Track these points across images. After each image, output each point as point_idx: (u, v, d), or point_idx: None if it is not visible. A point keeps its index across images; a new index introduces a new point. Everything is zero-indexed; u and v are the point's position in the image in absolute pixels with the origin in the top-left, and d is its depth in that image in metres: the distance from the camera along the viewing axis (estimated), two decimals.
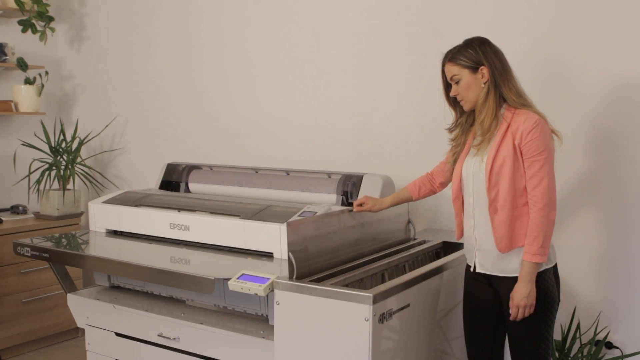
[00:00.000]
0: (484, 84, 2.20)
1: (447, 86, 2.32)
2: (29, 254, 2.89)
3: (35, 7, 4.12)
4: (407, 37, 3.21)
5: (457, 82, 2.24)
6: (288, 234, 2.24)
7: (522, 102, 2.20)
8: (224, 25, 3.85)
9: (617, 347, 2.78)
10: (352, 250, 2.59)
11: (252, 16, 3.73)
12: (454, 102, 2.34)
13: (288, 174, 3.17)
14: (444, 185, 2.55)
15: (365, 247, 2.66)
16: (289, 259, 2.23)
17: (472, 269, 2.33)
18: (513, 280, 2.20)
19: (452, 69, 2.24)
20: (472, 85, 2.21)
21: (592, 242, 2.82)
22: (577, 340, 2.78)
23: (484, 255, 2.26)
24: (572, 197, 2.81)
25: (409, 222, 2.91)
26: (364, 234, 2.66)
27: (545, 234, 2.12)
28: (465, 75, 2.22)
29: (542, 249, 2.11)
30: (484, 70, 2.19)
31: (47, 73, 4.31)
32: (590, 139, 2.76)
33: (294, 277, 2.23)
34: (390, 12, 3.26)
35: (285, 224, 2.31)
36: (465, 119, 2.33)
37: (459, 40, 2.29)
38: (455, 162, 2.35)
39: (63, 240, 3.10)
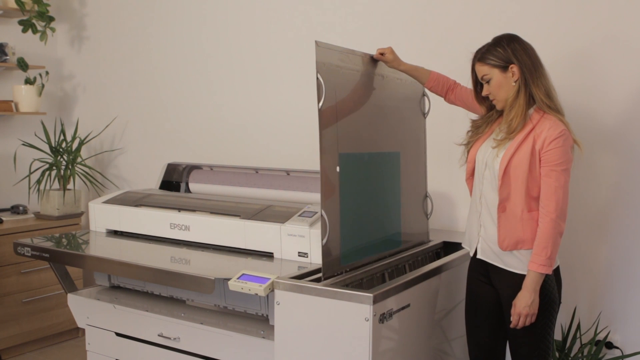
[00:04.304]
0: (515, 82, 2.17)
1: (476, 84, 2.31)
2: (29, 254, 2.89)
3: (36, 7, 4.12)
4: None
5: (487, 82, 2.22)
6: (318, 53, 2.20)
7: (550, 105, 2.16)
8: (224, 26, 3.85)
9: (617, 347, 2.78)
10: (373, 101, 2.54)
11: (252, 17, 3.73)
12: (483, 99, 2.32)
13: (288, 174, 3.17)
14: (451, 102, 2.55)
15: (384, 102, 2.60)
16: (318, 79, 2.19)
17: (472, 254, 2.33)
18: (513, 277, 2.20)
19: (482, 69, 2.22)
20: (503, 84, 2.19)
21: (593, 242, 2.82)
22: (578, 340, 2.78)
23: (488, 244, 2.26)
24: (574, 197, 2.81)
25: (424, 94, 2.83)
26: (383, 85, 2.60)
27: (553, 245, 2.11)
28: (495, 74, 2.19)
29: (549, 260, 2.11)
30: (514, 69, 2.16)
31: (47, 73, 4.32)
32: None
33: (322, 100, 2.19)
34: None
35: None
36: (495, 113, 2.32)
37: (488, 37, 2.26)
38: (470, 146, 2.34)
39: (63, 240, 3.10)
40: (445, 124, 2.96)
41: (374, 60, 2.54)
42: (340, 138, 2.29)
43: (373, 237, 2.53)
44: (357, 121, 2.43)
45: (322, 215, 2.19)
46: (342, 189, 2.29)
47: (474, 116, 2.45)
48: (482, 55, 2.23)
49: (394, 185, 2.66)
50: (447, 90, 2.52)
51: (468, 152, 2.35)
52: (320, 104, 2.19)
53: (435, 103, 2.77)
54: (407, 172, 2.73)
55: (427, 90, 2.77)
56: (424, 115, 2.84)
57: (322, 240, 2.20)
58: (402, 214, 2.69)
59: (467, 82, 2.39)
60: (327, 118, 2.23)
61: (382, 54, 2.51)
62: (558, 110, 2.18)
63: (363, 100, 2.48)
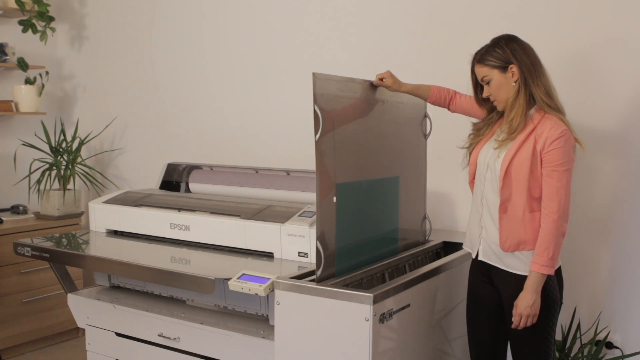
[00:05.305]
0: (515, 82, 2.17)
1: (476, 86, 2.31)
2: (30, 254, 2.89)
3: (36, 7, 4.12)
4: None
5: (487, 83, 2.22)
6: (315, 85, 2.18)
7: (550, 104, 2.16)
8: (224, 26, 3.85)
9: (617, 347, 2.78)
10: (373, 127, 2.52)
11: (252, 17, 3.73)
12: (483, 101, 2.32)
13: (288, 174, 3.17)
14: (453, 111, 2.54)
15: (384, 128, 2.59)
16: (315, 112, 2.18)
17: (474, 256, 2.33)
18: (514, 278, 2.20)
19: (482, 70, 2.22)
20: (503, 84, 2.19)
21: (593, 242, 2.82)
22: (578, 340, 2.78)
23: (489, 245, 2.26)
24: (575, 198, 2.81)
25: (425, 115, 2.82)
26: (383, 110, 2.58)
27: (555, 246, 2.11)
28: (495, 75, 2.19)
29: (551, 260, 2.10)
30: (514, 69, 2.16)
31: (47, 73, 4.31)
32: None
33: (319, 132, 2.18)
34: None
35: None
36: (496, 114, 2.32)
37: (487, 38, 2.26)
38: (472, 148, 2.34)
39: (63, 240, 3.10)
40: (446, 124, 2.95)
41: (374, 86, 2.51)
42: (338, 168, 2.27)
43: (370, 260, 2.52)
44: (356, 149, 2.41)
45: (317, 247, 2.19)
46: (338, 219, 2.27)
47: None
48: (481, 57, 2.23)
49: (393, 209, 2.64)
50: (449, 101, 2.53)
51: (470, 154, 2.35)
52: (317, 136, 2.18)
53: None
54: (407, 194, 2.72)
55: (428, 112, 2.79)
56: (425, 136, 2.84)
57: (316, 272, 2.19)
58: (400, 237, 2.69)
59: (468, 89, 2.38)
60: (325, 148, 2.21)
61: (381, 79, 2.48)
62: (559, 109, 2.18)
63: (363, 128, 2.47)
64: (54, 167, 4.13)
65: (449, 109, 2.54)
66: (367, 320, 2.02)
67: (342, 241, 2.30)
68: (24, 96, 4.18)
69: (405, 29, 3.23)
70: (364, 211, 2.46)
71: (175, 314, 2.70)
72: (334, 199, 2.24)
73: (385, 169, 2.60)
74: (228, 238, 2.74)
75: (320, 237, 2.19)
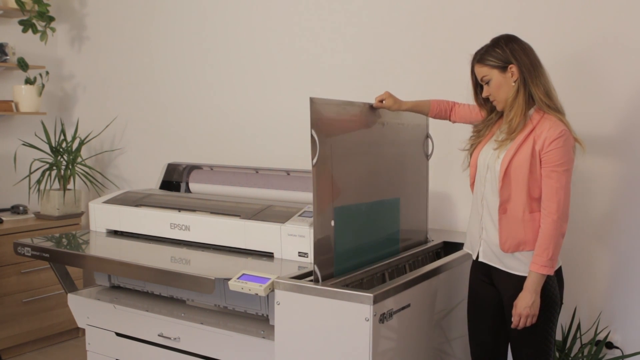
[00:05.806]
0: (514, 82, 2.17)
1: (476, 86, 2.31)
2: (30, 254, 2.89)
3: (36, 7, 4.12)
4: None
5: (487, 83, 2.22)
6: (312, 110, 2.18)
7: (549, 104, 2.16)
8: (225, 26, 3.85)
9: (617, 347, 2.78)
10: (373, 150, 2.51)
11: (252, 17, 3.74)
12: (483, 102, 2.32)
13: (288, 174, 3.17)
14: (454, 122, 2.54)
15: (385, 150, 2.59)
16: (312, 136, 2.18)
17: (475, 257, 2.33)
18: (514, 278, 2.20)
19: (482, 70, 2.22)
20: (503, 84, 2.19)
21: (593, 242, 2.82)
22: (578, 341, 2.78)
23: (489, 246, 2.26)
24: (575, 198, 2.81)
25: (427, 136, 2.81)
26: (383, 133, 2.57)
27: (555, 246, 2.10)
28: (495, 75, 2.19)
29: (550, 260, 2.10)
30: (513, 69, 2.16)
31: (47, 73, 4.32)
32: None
33: (317, 157, 2.18)
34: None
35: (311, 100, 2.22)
36: (495, 115, 2.32)
37: (485, 40, 2.26)
38: (473, 149, 2.34)
39: (63, 240, 3.10)
40: (446, 123, 2.96)
41: (373, 109, 2.50)
42: (336, 191, 2.27)
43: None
44: (355, 172, 2.41)
45: (314, 270, 2.19)
46: (337, 242, 2.28)
47: None
48: (481, 57, 2.23)
49: (393, 231, 2.64)
50: (449, 113, 2.53)
51: (470, 156, 2.35)
52: (315, 160, 2.18)
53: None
54: (407, 216, 2.71)
55: (430, 133, 2.80)
56: (427, 157, 2.83)
57: None
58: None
59: (468, 90, 2.38)
60: (322, 172, 2.21)
61: (381, 101, 2.47)
62: (558, 109, 2.18)
63: (362, 150, 2.46)
64: (54, 167, 4.13)
65: (450, 119, 2.55)
66: (367, 320, 2.02)
67: (340, 264, 2.31)
68: (24, 96, 4.18)
69: (406, 29, 3.23)
70: (363, 233, 2.46)
71: (175, 314, 2.70)
72: (332, 222, 2.25)
73: (386, 191, 2.60)
74: (228, 238, 2.74)
75: (318, 260, 2.19)
